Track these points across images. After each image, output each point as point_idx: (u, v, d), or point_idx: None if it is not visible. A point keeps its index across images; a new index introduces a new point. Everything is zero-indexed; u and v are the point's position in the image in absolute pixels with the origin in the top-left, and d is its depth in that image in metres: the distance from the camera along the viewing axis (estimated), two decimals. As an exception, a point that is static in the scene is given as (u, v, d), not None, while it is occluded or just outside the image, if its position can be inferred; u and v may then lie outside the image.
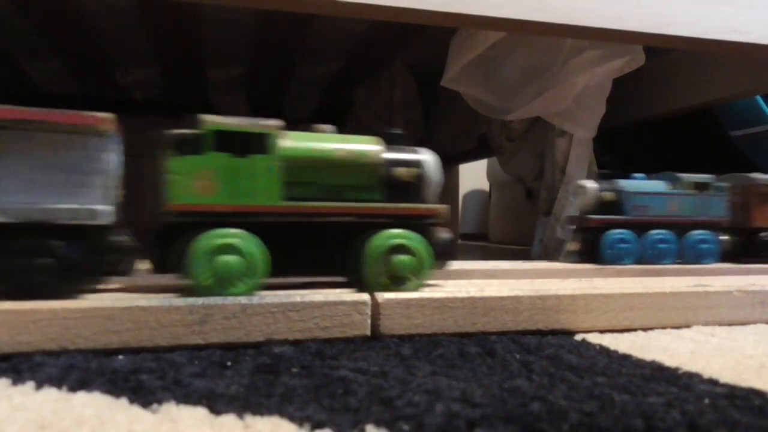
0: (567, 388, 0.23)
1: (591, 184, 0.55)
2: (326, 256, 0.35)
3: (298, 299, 0.30)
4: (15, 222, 0.29)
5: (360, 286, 0.34)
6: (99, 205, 0.30)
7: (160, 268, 0.33)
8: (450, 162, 1.13)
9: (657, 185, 0.56)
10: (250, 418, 0.19)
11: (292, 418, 0.19)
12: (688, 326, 0.36)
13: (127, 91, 1.05)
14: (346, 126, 1.07)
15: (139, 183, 0.40)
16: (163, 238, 0.33)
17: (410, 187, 0.36)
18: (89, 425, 0.18)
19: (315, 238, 0.35)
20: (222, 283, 0.31)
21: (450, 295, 0.32)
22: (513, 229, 1.28)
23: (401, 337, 0.31)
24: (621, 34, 0.49)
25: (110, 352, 0.27)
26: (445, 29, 0.65)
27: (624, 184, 0.55)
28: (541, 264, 0.53)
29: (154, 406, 0.20)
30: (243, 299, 0.29)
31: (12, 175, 0.29)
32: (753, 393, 0.23)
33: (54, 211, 0.30)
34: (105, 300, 0.28)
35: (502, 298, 0.33)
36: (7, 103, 0.32)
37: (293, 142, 0.34)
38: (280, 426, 0.19)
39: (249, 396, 0.21)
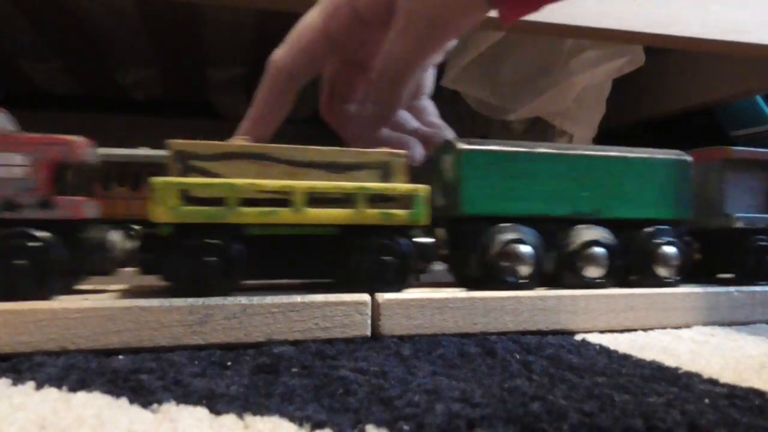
0: (567, 388, 0.23)
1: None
2: None
3: (299, 299, 0.30)
4: (749, 228, 0.40)
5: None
6: None
7: None
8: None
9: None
10: (250, 418, 0.19)
11: (292, 418, 0.19)
12: (688, 326, 0.36)
13: (127, 91, 1.05)
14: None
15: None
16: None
17: None
18: (89, 425, 0.18)
19: None
20: None
21: (450, 295, 0.32)
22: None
23: (401, 338, 0.31)
24: (621, 34, 0.49)
25: (110, 352, 0.27)
26: (445, 29, 0.64)
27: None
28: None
29: (154, 406, 0.20)
30: (243, 299, 0.29)
31: (738, 195, 0.41)
32: (753, 393, 0.23)
33: None
34: (105, 300, 0.28)
35: (502, 299, 0.33)
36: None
37: None
38: (280, 426, 0.19)
39: (249, 396, 0.21)
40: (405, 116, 0.39)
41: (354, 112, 0.39)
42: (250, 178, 0.31)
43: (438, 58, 0.38)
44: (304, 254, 0.33)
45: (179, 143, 0.31)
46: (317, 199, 0.31)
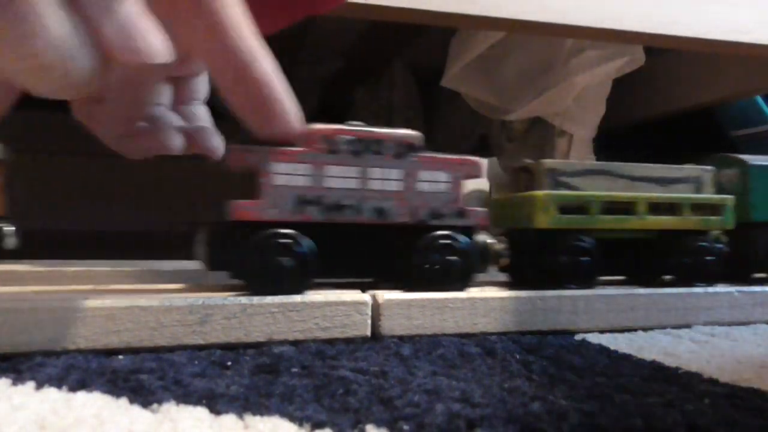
0: (567, 388, 0.23)
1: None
2: None
3: (299, 299, 0.30)
4: None
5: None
6: None
7: None
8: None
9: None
10: (250, 418, 0.19)
11: (292, 418, 0.19)
12: (688, 326, 0.36)
13: (127, 91, 1.05)
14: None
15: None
16: None
17: None
18: (89, 425, 0.18)
19: None
20: None
21: (450, 295, 0.32)
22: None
23: (401, 338, 0.31)
24: (621, 34, 0.49)
25: (110, 352, 0.27)
26: (445, 29, 0.65)
27: None
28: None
29: (154, 406, 0.20)
30: (243, 299, 0.29)
31: None
32: (753, 393, 0.23)
33: None
34: (105, 300, 0.28)
35: (502, 299, 0.33)
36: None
37: None
38: (280, 426, 0.19)
39: (249, 396, 0.21)
40: (169, 117, 0.35)
41: (101, 111, 0.37)
42: (600, 190, 0.36)
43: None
44: (627, 254, 0.39)
45: (550, 162, 0.37)
46: (650, 208, 0.37)
